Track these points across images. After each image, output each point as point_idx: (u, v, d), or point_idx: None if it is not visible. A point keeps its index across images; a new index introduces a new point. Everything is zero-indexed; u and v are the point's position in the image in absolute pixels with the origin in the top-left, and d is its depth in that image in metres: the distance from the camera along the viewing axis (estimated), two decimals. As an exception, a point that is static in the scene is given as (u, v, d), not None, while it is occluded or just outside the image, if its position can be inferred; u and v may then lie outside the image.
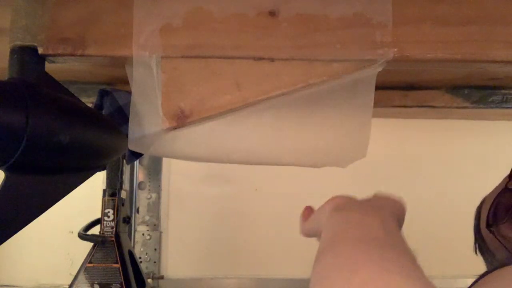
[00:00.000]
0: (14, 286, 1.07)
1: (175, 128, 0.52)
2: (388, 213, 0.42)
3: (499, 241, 0.52)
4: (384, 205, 0.44)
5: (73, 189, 0.54)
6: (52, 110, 0.48)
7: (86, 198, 0.97)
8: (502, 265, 0.27)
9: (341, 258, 0.33)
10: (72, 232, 1.04)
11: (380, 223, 0.38)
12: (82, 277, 0.78)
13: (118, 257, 0.79)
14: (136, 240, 1.08)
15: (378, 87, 0.55)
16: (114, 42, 0.53)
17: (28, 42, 0.51)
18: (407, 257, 0.33)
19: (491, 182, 1.11)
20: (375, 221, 0.39)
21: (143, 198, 1.10)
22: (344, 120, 0.58)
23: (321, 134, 0.59)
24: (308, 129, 0.59)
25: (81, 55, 0.53)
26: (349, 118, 0.57)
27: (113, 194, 0.83)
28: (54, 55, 0.53)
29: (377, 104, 0.56)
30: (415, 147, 1.13)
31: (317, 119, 0.58)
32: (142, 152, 0.56)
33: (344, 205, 0.44)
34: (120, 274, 0.78)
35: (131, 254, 0.84)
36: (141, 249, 1.07)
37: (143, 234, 1.08)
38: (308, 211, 0.50)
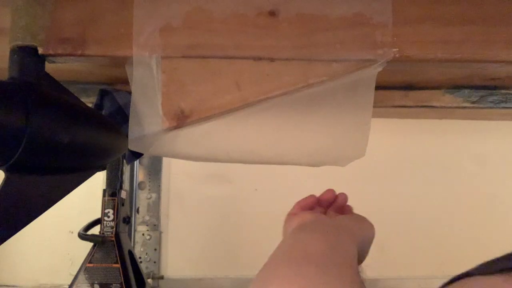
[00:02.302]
0: (14, 286, 1.07)
1: (175, 128, 0.52)
2: (348, 237, 0.44)
3: None
4: (350, 228, 0.47)
5: (73, 189, 0.54)
6: (52, 110, 0.48)
7: (86, 198, 0.97)
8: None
9: (261, 276, 0.36)
10: (72, 232, 1.04)
11: (327, 248, 0.40)
12: (82, 277, 0.78)
13: (118, 257, 0.79)
14: (136, 240, 1.08)
15: (378, 87, 0.55)
16: (114, 42, 0.53)
17: (28, 42, 0.51)
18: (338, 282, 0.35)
19: (491, 182, 1.11)
20: (324, 245, 0.40)
21: (143, 198, 1.10)
22: (344, 120, 0.58)
23: (321, 134, 0.59)
24: (308, 128, 0.59)
25: (81, 55, 0.53)
26: (348, 117, 0.57)
27: (113, 194, 0.83)
28: (54, 55, 0.53)
29: (377, 104, 0.56)
30: (415, 147, 1.13)
31: (317, 118, 0.58)
32: (142, 152, 0.55)
33: (306, 224, 0.47)
34: (120, 274, 0.78)
35: (131, 254, 0.84)
36: (141, 249, 1.07)
37: (143, 234, 1.08)
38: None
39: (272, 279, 0.34)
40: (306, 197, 0.58)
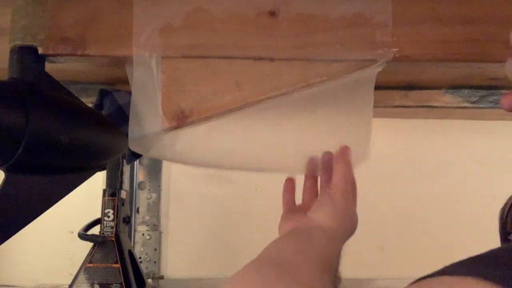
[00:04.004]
0: (14, 286, 1.07)
1: (175, 128, 0.52)
2: (322, 242, 0.46)
3: None
4: (326, 231, 0.48)
5: (73, 189, 0.54)
6: (52, 110, 0.48)
7: (86, 198, 0.97)
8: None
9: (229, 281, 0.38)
10: (72, 232, 1.04)
11: (294, 253, 0.42)
12: (82, 277, 0.78)
13: (118, 257, 0.79)
14: (136, 240, 1.08)
15: (378, 87, 0.55)
16: (114, 42, 0.53)
17: (28, 42, 0.51)
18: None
19: (491, 182, 1.11)
20: (291, 251, 0.42)
21: (143, 198, 1.10)
22: (345, 123, 0.58)
23: (321, 137, 0.59)
24: (309, 134, 0.59)
25: (81, 55, 0.53)
26: (349, 119, 0.57)
27: (113, 194, 0.83)
28: (54, 55, 0.53)
29: (377, 104, 0.56)
30: (415, 147, 1.13)
31: (317, 121, 0.58)
32: (142, 154, 0.55)
33: (284, 234, 0.49)
34: (120, 274, 0.78)
35: (131, 254, 0.84)
36: (141, 249, 1.07)
37: (143, 234, 1.08)
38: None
39: (235, 283, 0.37)
40: (283, 193, 0.58)
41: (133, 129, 0.54)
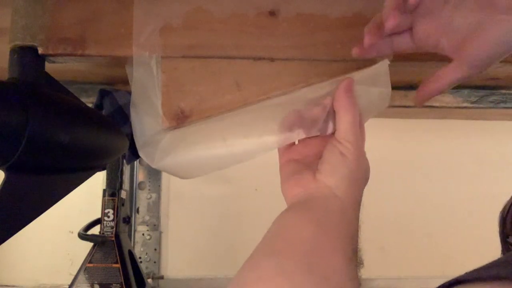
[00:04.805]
0: (14, 286, 1.07)
1: (175, 128, 0.52)
2: (339, 208, 0.40)
3: None
4: (343, 193, 0.41)
5: (73, 189, 0.54)
6: (52, 110, 0.48)
7: (86, 198, 0.97)
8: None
9: (243, 272, 0.34)
10: (72, 232, 1.04)
11: (315, 225, 0.37)
12: (82, 277, 0.78)
13: (118, 257, 0.79)
14: (136, 240, 1.08)
15: (378, 87, 0.55)
16: (114, 42, 0.53)
17: (28, 42, 0.51)
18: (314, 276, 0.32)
19: (491, 182, 1.11)
20: (311, 223, 0.37)
21: (143, 198, 1.10)
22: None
23: None
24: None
25: (81, 55, 0.53)
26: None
27: (113, 194, 0.83)
28: (54, 55, 0.53)
29: (377, 104, 0.55)
30: (415, 147, 1.13)
31: None
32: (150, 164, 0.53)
33: (292, 205, 0.42)
34: (120, 274, 0.78)
35: (131, 254, 0.84)
36: (141, 249, 1.07)
37: (143, 234, 1.08)
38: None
39: (250, 280, 0.32)
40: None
41: (136, 132, 0.54)
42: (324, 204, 0.40)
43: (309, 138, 0.48)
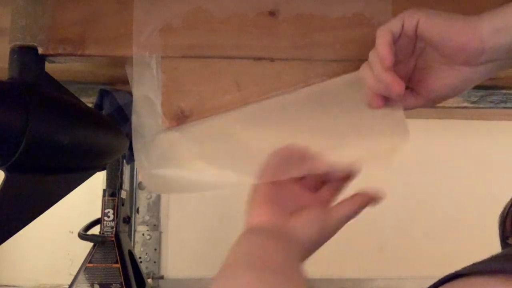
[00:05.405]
0: (14, 286, 1.07)
1: (174, 127, 0.52)
2: (294, 244, 0.44)
3: None
4: (297, 234, 0.45)
5: (73, 189, 0.54)
6: (52, 110, 0.48)
7: (86, 198, 0.97)
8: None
9: (221, 282, 0.36)
10: (72, 232, 1.04)
11: (284, 255, 0.40)
12: (82, 277, 0.78)
13: (118, 257, 0.79)
14: (136, 240, 1.08)
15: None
16: (114, 42, 0.53)
17: (28, 42, 0.51)
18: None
19: (491, 182, 1.11)
20: (281, 251, 0.40)
21: (143, 198, 1.10)
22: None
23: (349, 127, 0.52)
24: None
25: (81, 55, 0.53)
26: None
27: (113, 194, 0.83)
28: (54, 55, 0.53)
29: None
30: (414, 147, 1.13)
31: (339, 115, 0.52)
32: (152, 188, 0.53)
33: (258, 229, 0.46)
34: (120, 274, 0.78)
35: (131, 254, 0.84)
36: (141, 249, 1.07)
37: (143, 234, 1.08)
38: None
39: (234, 286, 0.35)
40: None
41: (136, 134, 0.53)
42: (288, 243, 0.44)
43: (292, 178, 0.49)
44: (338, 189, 0.50)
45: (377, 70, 0.43)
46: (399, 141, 0.49)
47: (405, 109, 0.48)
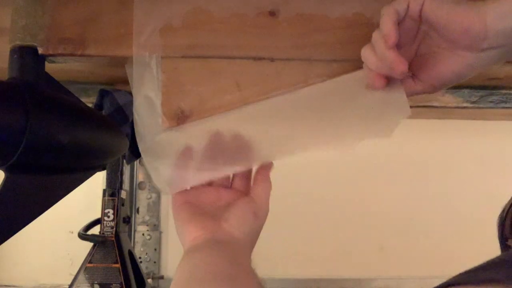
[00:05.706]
0: (14, 286, 1.07)
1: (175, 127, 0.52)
2: (239, 247, 0.45)
3: None
4: (239, 237, 0.46)
5: (73, 189, 0.54)
6: (52, 110, 0.48)
7: (86, 198, 0.97)
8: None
9: None
10: (72, 232, 1.04)
11: (229, 261, 0.41)
12: (82, 277, 0.78)
13: (118, 257, 0.79)
14: (136, 240, 1.08)
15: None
16: (114, 42, 0.53)
17: (28, 42, 0.51)
18: None
19: (491, 182, 1.11)
20: (225, 258, 0.41)
21: (143, 198, 1.10)
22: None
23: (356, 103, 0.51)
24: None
25: (81, 55, 0.53)
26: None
27: (113, 194, 0.83)
28: (54, 55, 0.53)
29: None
30: (415, 147, 1.13)
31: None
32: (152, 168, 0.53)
33: (196, 246, 0.45)
34: (120, 274, 0.78)
35: (131, 254, 0.84)
36: (141, 249, 1.07)
37: (143, 234, 1.08)
38: None
39: None
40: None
41: (138, 133, 0.53)
42: (229, 247, 0.44)
43: (202, 186, 0.51)
44: (248, 175, 0.51)
45: (380, 49, 0.43)
46: (400, 116, 0.51)
47: (408, 93, 0.48)
